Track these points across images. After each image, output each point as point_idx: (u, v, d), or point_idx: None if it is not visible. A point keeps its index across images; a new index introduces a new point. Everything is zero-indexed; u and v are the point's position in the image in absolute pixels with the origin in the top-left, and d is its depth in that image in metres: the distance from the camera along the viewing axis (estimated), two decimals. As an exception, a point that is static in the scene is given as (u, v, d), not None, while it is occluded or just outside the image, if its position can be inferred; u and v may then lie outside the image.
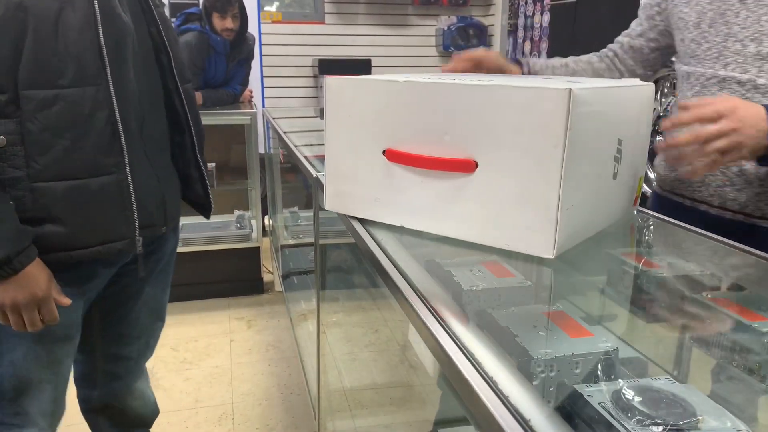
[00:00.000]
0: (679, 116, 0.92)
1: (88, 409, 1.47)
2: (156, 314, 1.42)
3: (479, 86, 0.79)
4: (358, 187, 0.94)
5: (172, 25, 1.26)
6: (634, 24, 1.33)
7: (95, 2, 1.03)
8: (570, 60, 1.37)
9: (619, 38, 1.36)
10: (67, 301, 1.10)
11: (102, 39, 1.03)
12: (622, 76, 1.33)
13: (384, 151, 0.89)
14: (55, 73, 1.01)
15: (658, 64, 1.32)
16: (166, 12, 3.55)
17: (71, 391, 1.40)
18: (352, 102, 0.92)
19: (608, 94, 0.83)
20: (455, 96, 0.80)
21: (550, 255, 0.77)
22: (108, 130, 1.06)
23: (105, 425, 1.48)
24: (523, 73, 1.29)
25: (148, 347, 1.45)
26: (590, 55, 1.38)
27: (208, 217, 1.40)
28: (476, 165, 0.81)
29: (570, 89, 0.71)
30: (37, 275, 1.03)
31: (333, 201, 1.00)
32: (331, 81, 0.95)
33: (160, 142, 1.23)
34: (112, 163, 1.08)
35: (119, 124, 1.07)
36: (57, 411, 1.23)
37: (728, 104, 0.90)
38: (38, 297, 1.03)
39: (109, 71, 1.05)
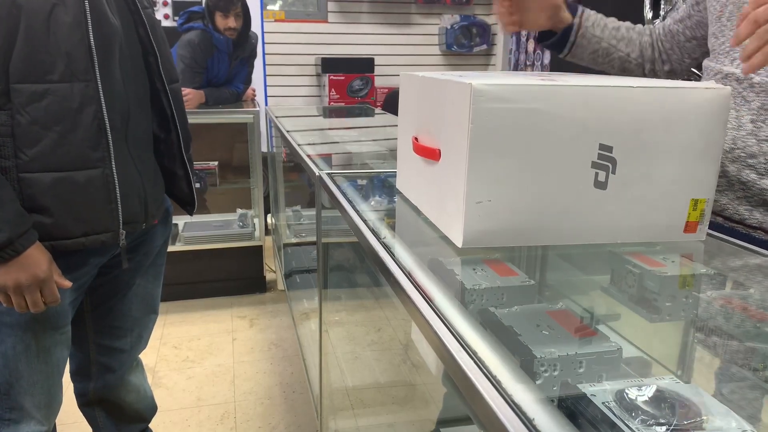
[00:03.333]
0: None
1: (84, 403, 1.49)
2: (149, 307, 1.44)
3: (432, 79, 0.90)
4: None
5: (159, 25, 1.28)
6: (681, 9, 1.29)
7: (86, 3, 1.06)
8: (624, 26, 1.32)
9: (667, 20, 1.32)
10: (67, 283, 1.13)
11: (91, 37, 1.07)
12: (659, 56, 1.28)
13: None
14: (46, 68, 1.04)
15: (698, 54, 1.25)
16: (169, 11, 3.56)
17: (70, 388, 1.40)
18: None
19: (560, 92, 0.78)
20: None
21: (459, 244, 0.82)
22: (95, 126, 1.10)
23: (102, 419, 1.50)
24: (573, 23, 1.26)
25: (141, 339, 1.47)
26: (643, 27, 1.33)
27: (191, 214, 1.44)
28: (440, 153, 0.88)
29: (471, 83, 0.75)
30: (38, 257, 1.06)
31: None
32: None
33: (144, 141, 1.26)
34: (98, 157, 1.11)
35: (106, 120, 1.11)
36: (52, 403, 1.24)
37: None
38: (40, 278, 1.07)
39: (97, 69, 1.08)
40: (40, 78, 1.04)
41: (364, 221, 1.00)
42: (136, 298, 1.39)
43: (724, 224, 1.06)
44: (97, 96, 1.09)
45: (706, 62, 1.14)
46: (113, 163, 1.13)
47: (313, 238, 3.09)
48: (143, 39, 1.22)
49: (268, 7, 4.03)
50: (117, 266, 1.29)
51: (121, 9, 1.17)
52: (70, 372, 1.46)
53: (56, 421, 1.31)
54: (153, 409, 1.59)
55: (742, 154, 1.02)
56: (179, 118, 1.31)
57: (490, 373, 0.53)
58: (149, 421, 1.60)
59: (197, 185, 1.42)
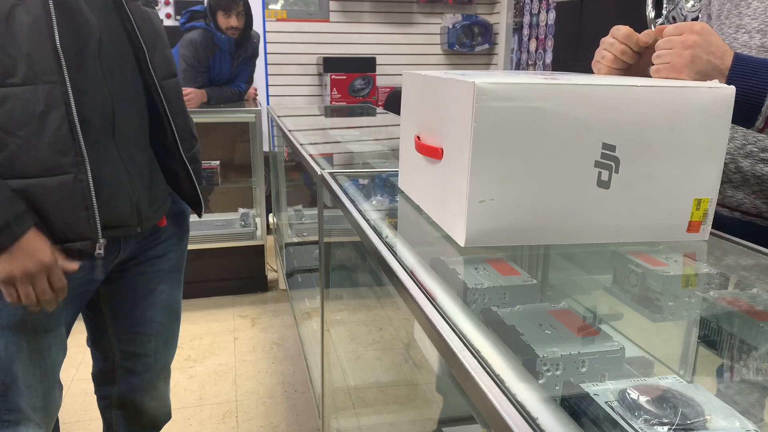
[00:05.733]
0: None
1: (106, 406, 1.47)
2: (173, 313, 1.42)
3: (435, 78, 0.90)
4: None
5: (151, 17, 1.23)
6: None
7: (50, 1, 1.01)
8: None
9: None
10: (74, 266, 1.10)
11: (57, 36, 1.02)
12: None
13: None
14: (6, 71, 1.00)
15: None
16: (171, 10, 3.56)
17: (88, 388, 1.39)
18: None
19: (563, 91, 0.78)
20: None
21: (461, 243, 0.82)
22: (65, 129, 1.05)
23: (119, 423, 1.48)
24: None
25: (167, 345, 1.44)
26: None
27: (199, 215, 1.39)
28: (442, 152, 0.88)
29: (474, 82, 0.74)
30: (40, 242, 1.04)
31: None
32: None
33: (135, 140, 1.20)
34: (70, 162, 1.06)
35: (77, 123, 1.05)
36: (49, 406, 1.22)
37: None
38: (46, 263, 1.04)
39: (65, 69, 1.04)
40: (0, 82, 1.00)
41: (367, 220, 1.01)
42: (159, 304, 1.37)
43: (742, 219, 1.06)
44: (65, 98, 1.04)
45: None
46: (88, 167, 1.08)
47: (315, 238, 3.09)
48: (130, 34, 1.16)
49: (270, 7, 4.03)
50: (129, 269, 1.28)
51: (104, 3, 1.12)
52: (93, 374, 1.45)
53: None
54: (168, 418, 1.58)
55: (755, 149, 1.02)
56: (174, 115, 1.25)
57: (493, 372, 0.53)
58: (160, 429, 1.58)
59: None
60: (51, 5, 1.02)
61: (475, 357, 0.56)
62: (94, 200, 1.10)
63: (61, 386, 1.26)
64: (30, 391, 1.18)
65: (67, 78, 1.04)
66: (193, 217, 1.46)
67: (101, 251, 1.13)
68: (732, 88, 0.81)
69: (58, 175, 1.06)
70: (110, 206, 1.13)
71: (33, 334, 1.15)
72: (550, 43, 3.78)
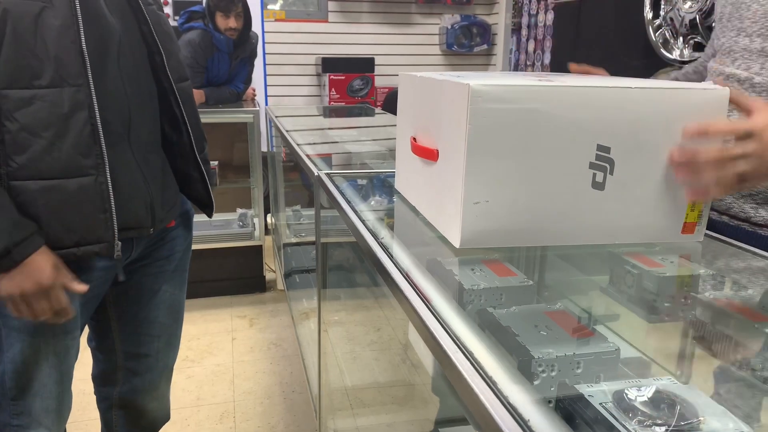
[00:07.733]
0: (710, 124, 0.79)
1: (107, 407, 1.47)
2: (176, 313, 1.42)
3: (431, 79, 0.90)
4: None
5: (165, 21, 1.25)
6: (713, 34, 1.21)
7: (77, 4, 1.03)
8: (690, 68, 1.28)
9: (707, 49, 1.24)
10: (81, 288, 1.10)
11: (83, 40, 1.04)
12: None
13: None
14: (33, 73, 1.01)
15: None
16: (170, 10, 3.56)
17: (86, 388, 1.39)
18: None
19: (558, 93, 0.78)
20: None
21: (456, 244, 0.82)
22: (87, 131, 1.06)
23: (119, 423, 1.48)
24: None
25: (169, 346, 1.44)
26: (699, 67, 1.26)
27: (210, 216, 1.40)
28: (438, 154, 0.88)
29: (468, 84, 0.75)
30: (41, 264, 1.03)
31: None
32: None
33: (149, 143, 1.22)
34: (91, 164, 1.07)
35: (99, 126, 1.07)
36: (62, 409, 1.22)
37: (763, 120, 0.79)
38: (44, 286, 1.04)
39: (90, 72, 1.05)
40: (27, 83, 1.01)
41: (363, 221, 1.00)
42: (162, 305, 1.37)
43: (730, 222, 1.06)
44: (89, 101, 1.05)
45: (710, 63, 1.15)
46: (107, 170, 1.09)
47: (313, 238, 3.09)
48: (147, 37, 1.18)
49: (269, 7, 4.03)
50: (136, 272, 1.28)
51: (122, 6, 1.14)
52: (93, 375, 1.45)
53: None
54: (167, 419, 1.58)
55: None
56: (189, 118, 1.27)
57: (486, 374, 0.53)
58: (158, 430, 1.58)
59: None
60: (78, 9, 1.03)
61: (468, 359, 0.56)
62: (113, 202, 1.10)
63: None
64: (45, 392, 1.17)
65: (91, 81, 1.05)
66: (195, 217, 1.45)
67: (119, 252, 1.13)
68: (726, 90, 0.81)
69: (79, 177, 1.07)
70: (127, 208, 1.14)
71: (52, 336, 1.15)
72: (548, 44, 3.78)
